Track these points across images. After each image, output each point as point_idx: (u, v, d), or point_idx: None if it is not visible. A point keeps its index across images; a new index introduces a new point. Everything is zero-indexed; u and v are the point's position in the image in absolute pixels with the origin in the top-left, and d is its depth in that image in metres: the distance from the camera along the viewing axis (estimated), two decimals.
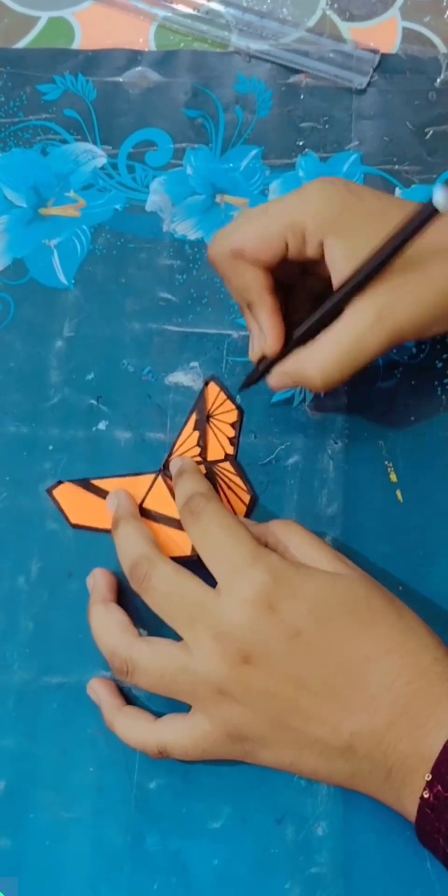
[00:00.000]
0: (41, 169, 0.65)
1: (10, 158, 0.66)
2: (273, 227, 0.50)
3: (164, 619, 0.46)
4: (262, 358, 0.53)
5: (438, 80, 0.68)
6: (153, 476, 0.54)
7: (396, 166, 0.65)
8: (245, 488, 0.55)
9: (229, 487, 0.55)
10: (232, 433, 0.56)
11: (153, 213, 0.63)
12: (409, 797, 0.42)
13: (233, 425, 0.57)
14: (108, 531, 0.52)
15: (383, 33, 0.70)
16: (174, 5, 0.71)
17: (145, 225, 0.63)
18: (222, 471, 0.55)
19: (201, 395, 0.57)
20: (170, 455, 0.55)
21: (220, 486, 0.54)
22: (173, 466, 0.53)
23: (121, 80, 0.68)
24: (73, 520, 0.54)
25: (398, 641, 0.44)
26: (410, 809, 0.42)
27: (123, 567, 0.48)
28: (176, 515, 0.51)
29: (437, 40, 0.70)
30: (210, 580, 0.45)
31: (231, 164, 0.65)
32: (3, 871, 0.47)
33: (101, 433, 0.56)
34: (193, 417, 0.56)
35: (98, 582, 0.51)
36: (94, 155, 0.66)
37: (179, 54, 0.70)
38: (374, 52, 0.69)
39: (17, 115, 0.67)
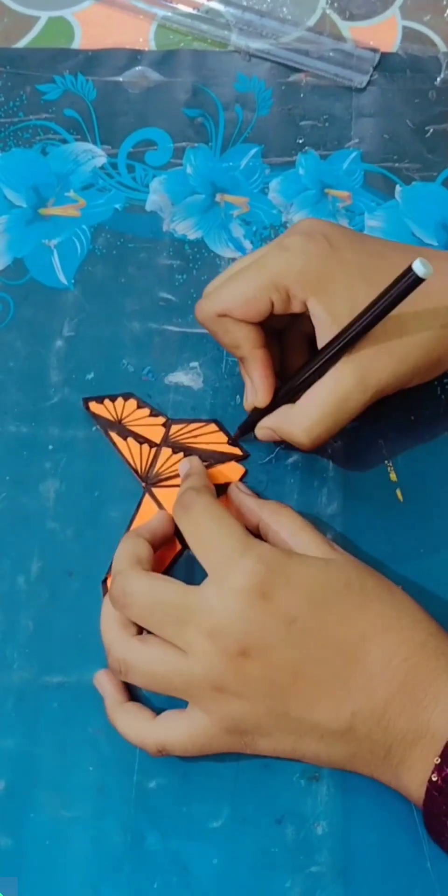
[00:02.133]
0: (41, 169, 0.65)
1: (10, 158, 0.66)
2: (256, 289, 0.50)
3: (153, 631, 0.45)
4: (255, 408, 0.53)
5: (438, 79, 0.68)
6: (147, 497, 0.54)
7: (396, 164, 0.65)
8: (202, 422, 0.56)
9: (195, 435, 0.56)
10: (146, 411, 0.57)
11: (153, 212, 0.64)
12: (406, 773, 0.42)
13: (139, 407, 0.57)
14: (174, 562, 0.53)
15: (383, 32, 0.70)
16: (174, 4, 0.71)
17: (145, 224, 0.63)
18: (178, 434, 0.56)
19: (96, 417, 0.57)
20: (139, 471, 0.55)
21: (190, 444, 0.55)
22: (182, 469, 0.53)
23: (120, 79, 0.69)
24: None
25: (393, 618, 0.44)
26: (407, 784, 0.42)
27: None
28: None
29: (437, 39, 0.70)
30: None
31: (231, 163, 0.65)
32: (3, 870, 0.47)
33: (100, 433, 0.56)
34: (114, 435, 0.56)
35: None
36: (93, 154, 0.66)
37: (179, 54, 0.70)
38: (374, 50, 0.69)
39: (17, 114, 0.67)
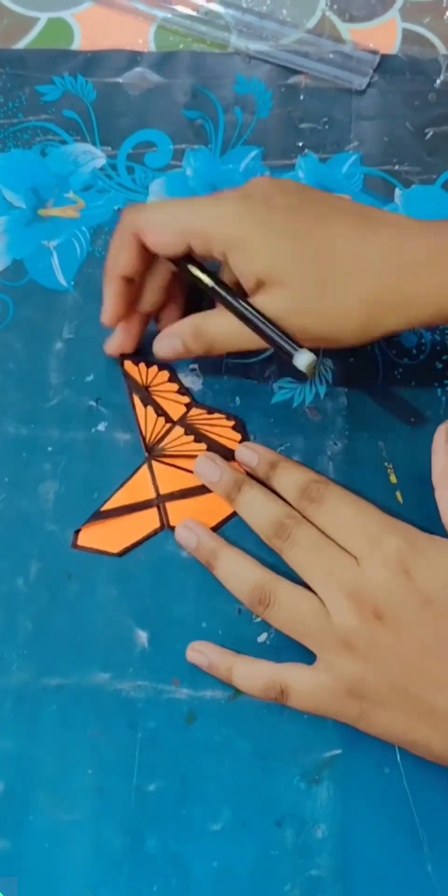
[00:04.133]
0: (40, 170, 0.65)
1: (10, 159, 0.66)
2: (178, 229, 0.51)
3: (301, 574, 0.48)
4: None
5: (438, 81, 0.68)
6: (145, 467, 0.55)
7: (396, 167, 0.65)
8: (224, 415, 0.56)
9: (212, 425, 0.56)
10: (175, 387, 0.58)
11: None
12: None
13: (170, 380, 0.58)
14: (148, 538, 0.53)
15: (383, 34, 0.70)
16: (173, 6, 0.71)
17: None
18: (196, 418, 0.56)
19: (126, 376, 0.58)
20: (146, 440, 0.55)
21: (204, 431, 0.56)
22: (244, 456, 0.53)
23: (120, 81, 0.68)
24: (116, 549, 0.53)
25: None
26: None
27: (260, 524, 0.50)
28: (192, 484, 0.54)
29: (436, 41, 0.70)
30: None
31: (231, 165, 0.65)
32: (2, 872, 0.46)
33: (100, 434, 0.56)
34: (136, 399, 0.57)
35: (204, 535, 0.52)
36: (93, 156, 0.66)
37: (179, 55, 0.70)
38: (374, 53, 0.69)
39: (16, 115, 0.67)
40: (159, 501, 0.54)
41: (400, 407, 0.56)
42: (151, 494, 0.54)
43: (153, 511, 0.54)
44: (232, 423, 0.56)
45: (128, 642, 0.51)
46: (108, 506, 0.54)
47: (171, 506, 0.53)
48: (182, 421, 0.56)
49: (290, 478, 0.51)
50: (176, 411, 0.56)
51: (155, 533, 0.53)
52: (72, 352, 0.59)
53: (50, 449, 0.56)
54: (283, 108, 0.67)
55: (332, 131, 0.66)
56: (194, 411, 0.57)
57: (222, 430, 0.56)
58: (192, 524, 0.52)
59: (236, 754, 0.48)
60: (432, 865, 0.46)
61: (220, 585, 0.51)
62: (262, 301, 0.50)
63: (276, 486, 0.52)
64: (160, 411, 0.56)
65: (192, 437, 0.55)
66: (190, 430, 0.56)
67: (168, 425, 0.56)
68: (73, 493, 0.55)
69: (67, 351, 0.59)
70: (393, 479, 0.54)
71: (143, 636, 0.50)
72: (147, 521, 0.53)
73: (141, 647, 0.50)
